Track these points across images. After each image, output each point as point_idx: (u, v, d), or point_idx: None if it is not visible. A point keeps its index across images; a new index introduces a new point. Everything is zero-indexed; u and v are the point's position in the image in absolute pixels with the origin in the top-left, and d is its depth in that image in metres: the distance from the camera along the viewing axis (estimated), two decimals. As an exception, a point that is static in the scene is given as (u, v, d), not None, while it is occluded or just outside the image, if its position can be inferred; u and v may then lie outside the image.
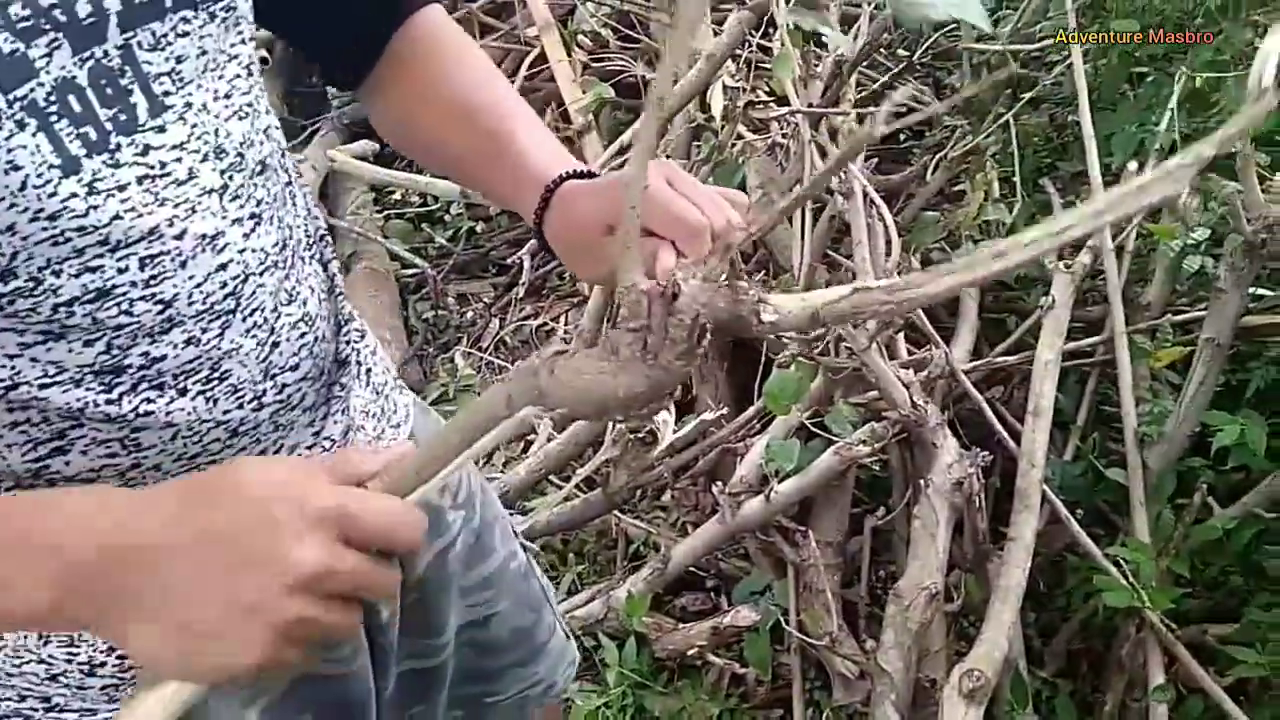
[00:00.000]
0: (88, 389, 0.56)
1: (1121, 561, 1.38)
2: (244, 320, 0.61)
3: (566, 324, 2.44)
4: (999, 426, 1.56)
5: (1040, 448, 1.47)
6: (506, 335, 2.45)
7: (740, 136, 2.10)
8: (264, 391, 0.64)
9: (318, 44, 0.80)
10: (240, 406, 0.63)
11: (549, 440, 1.94)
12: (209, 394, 0.61)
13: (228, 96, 0.60)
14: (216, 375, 0.61)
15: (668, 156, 2.32)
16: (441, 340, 2.49)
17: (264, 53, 2.50)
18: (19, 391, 0.55)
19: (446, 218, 2.75)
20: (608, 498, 1.78)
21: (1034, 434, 1.49)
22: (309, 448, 0.71)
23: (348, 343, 0.73)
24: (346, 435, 0.74)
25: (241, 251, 0.60)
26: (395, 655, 0.82)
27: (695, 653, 1.62)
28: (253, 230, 0.61)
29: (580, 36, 2.69)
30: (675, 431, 1.83)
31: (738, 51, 2.23)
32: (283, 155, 0.68)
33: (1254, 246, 1.40)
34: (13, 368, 0.54)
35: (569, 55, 2.64)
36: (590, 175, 0.74)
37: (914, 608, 1.36)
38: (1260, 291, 1.56)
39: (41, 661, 0.65)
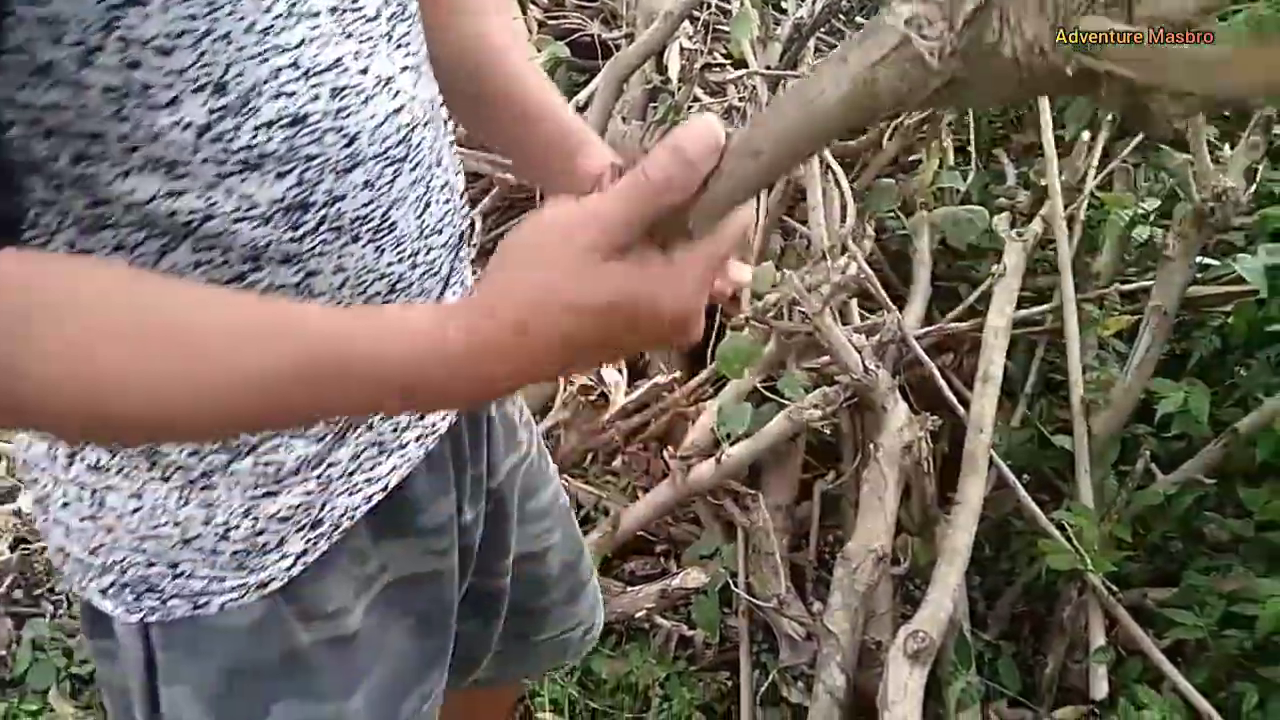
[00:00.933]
0: (275, 226, 0.57)
1: (1065, 526, 1.40)
2: (411, 170, 0.63)
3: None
4: (948, 392, 1.57)
5: (989, 414, 1.48)
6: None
7: (696, 99, 2.07)
8: (418, 250, 0.65)
9: None
10: (400, 260, 0.64)
11: (498, 403, 1.91)
12: (378, 243, 0.62)
13: None
14: (385, 224, 0.62)
15: (624, 118, 2.28)
16: (390, 302, 2.44)
17: None
18: (212, 224, 0.55)
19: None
20: (558, 461, 1.76)
21: (983, 400, 1.50)
22: None
23: (464, 218, 0.74)
24: None
25: (412, 99, 0.62)
26: (472, 564, 0.83)
27: (643, 615, 1.61)
28: (417, 81, 0.63)
29: (536, -6, 2.64)
30: (627, 395, 1.82)
31: (695, 13, 2.20)
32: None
33: (1203, 216, 1.41)
34: (209, 199, 0.54)
35: (524, 12, 2.59)
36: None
37: (861, 570, 1.37)
38: (1207, 261, 1.57)
39: (177, 524, 0.64)
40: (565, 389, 1.79)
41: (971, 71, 0.40)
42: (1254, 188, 1.49)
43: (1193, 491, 1.47)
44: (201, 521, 0.65)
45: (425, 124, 0.64)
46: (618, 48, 2.37)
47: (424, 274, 0.67)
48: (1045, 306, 1.72)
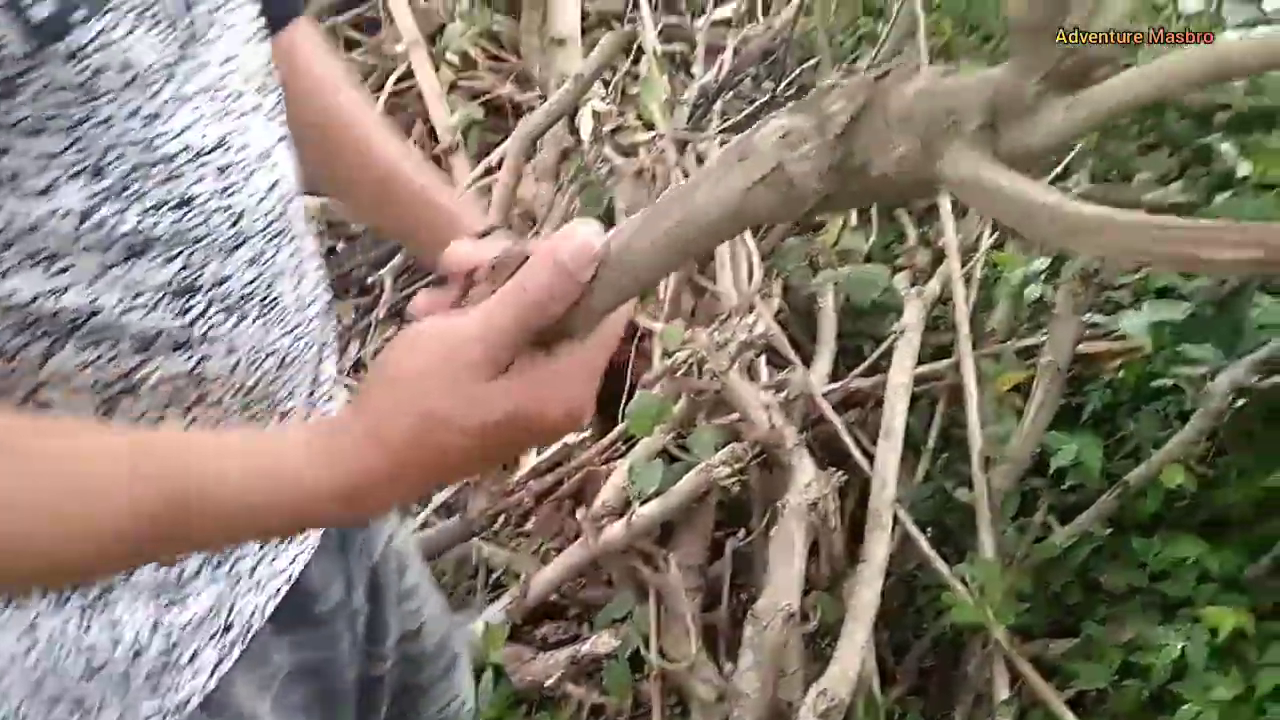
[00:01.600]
0: (163, 312, 0.55)
1: (969, 579, 1.42)
2: (290, 242, 0.62)
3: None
4: (854, 448, 1.59)
5: (892, 469, 1.50)
6: (366, 358, 2.37)
7: (607, 159, 2.09)
8: (299, 323, 0.65)
9: None
10: (286, 334, 0.64)
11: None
12: (264, 319, 0.61)
13: (250, 20, 0.62)
14: (270, 298, 0.61)
15: (536, 179, 2.30)
16: (298, 362, 2.39)
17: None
18: (98, 319, 0.53)
19: (306, 236, 2.65)
20: (466, 524, 1.73)
21: (886, 455, 1.52)
22: (309, 395, 0.70)
23: (328, 288, 0.73)
24: (332, 380, 0.75)
25: (286, 172, 0.62)
26: (360, 649, 0.80)
27: (553, 683, 1.58)
28: (289, 152, 0.63)
29: (448, 54, 2.65)
30: (538, 454, 1.80)
31: (607, 76, 2.24)
32: None
33: (1088, 275, 1.47)
34: (92, 293, 0.53)
35: (436, 71, 2.60)
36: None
37: (771, 629, 1.37)
38: (1096, 318, 1.63)
39: (81, 653, 0.59)
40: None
41: (844, 187, 0.42)
42: (1136, 248, 1.55)
43: (1088, 542, 1.50)
44: (109, 644, 0.60)
45: (297, 195, 0.64)
46: (530, 109, 2.39)
47: (305, 345, 0.66)
48: (945, 361, 1.76)
